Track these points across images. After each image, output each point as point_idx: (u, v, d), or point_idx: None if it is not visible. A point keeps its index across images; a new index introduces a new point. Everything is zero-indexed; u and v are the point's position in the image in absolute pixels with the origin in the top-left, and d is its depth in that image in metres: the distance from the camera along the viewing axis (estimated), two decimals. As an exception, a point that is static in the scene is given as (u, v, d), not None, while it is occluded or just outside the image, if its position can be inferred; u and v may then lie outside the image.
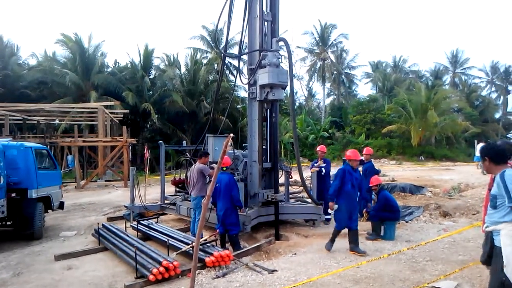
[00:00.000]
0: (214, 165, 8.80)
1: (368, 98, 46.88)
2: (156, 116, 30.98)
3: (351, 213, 7.23)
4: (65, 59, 32.73)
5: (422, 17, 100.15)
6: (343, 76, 53.04)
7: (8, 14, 72.28)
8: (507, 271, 3.48)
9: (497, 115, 55.61)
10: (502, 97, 59.13)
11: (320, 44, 50.00)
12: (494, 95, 59.12)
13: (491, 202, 3.74)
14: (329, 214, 9.92)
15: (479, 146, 21.04)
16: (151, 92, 32.83)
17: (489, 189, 4.08)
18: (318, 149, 10.63)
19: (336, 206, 7.24)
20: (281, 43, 9.11)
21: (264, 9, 9.20)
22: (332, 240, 7.29)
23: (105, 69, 33.78)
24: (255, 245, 7.62)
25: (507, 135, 54.63)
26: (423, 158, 35.15)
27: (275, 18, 9.26)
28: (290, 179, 10.26)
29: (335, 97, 56.32)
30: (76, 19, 71.18)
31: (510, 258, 3.47)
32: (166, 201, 10.92)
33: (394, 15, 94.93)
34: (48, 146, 16.77)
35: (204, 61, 37.72)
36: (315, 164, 10.17)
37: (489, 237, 3.79)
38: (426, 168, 26.56)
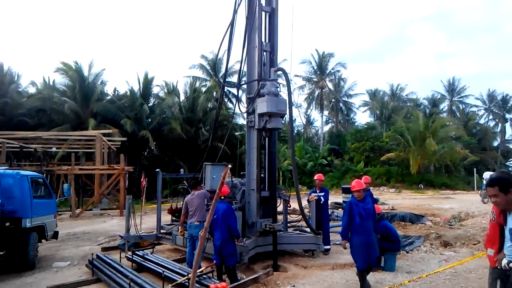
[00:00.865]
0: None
1: (366, 126, 47.17)
2: (154, 143, 31.00)
3: (369, 248, 6.54)
4: (64, 87, 33.01)
5: (418, 46, 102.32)
6: (341, 104, 53.53)
7: (10, 42, 73.56)
8: None
9: (496, 143, 55.86)
10: (500, 125, 59.56)
11: (318, 72, 50.72)
12: (491, 123, 59.62)
13: (509, 235, 3.54)
14: (329, 244, 9.75)
15: (486, 174, 20.95)
16: (149, 120, 32.99)
17: (498, 223, 3.87)
18: (315, 177, 10.53)
19: (348, 244, 6.65)
20: (280, 72, 9.22)
21: (263, 39, 9.34)
22: (362, 286, 6.53)
23: (104, 97, 34.04)
24: (252, 277, 7.40)
25: (506, 163, 54.70)
26: (422, 186, 34.99)
27: (273, 49, 9.39)
28: (288, 208, 10.11)
29: (334, 124, 56.67)
30: (77, 47, 72.46)
31: None
32: (162, 231, 10.71)
33: (390, 44, 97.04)
34: (45, 174, 16.64)
35: (203, 89, 38.11)
36: (313, 194, 10.04)
37: (500, 274, 3.62)
38: (426, 197, 26.37)
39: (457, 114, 56.08)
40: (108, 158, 25.83)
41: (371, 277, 7.36)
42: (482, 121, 57.80)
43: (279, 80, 9.39)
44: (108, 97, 34.61)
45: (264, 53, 9.31)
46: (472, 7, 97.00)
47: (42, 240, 9.93)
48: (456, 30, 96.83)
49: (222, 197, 7.53)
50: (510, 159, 57.28)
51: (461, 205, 18.98)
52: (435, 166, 39.60)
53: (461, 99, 57.99)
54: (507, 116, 59.44)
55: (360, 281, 6.52)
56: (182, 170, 21.41)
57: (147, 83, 34.49)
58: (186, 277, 6.54)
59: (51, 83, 35.86)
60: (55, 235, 10.36)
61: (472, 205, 18.39)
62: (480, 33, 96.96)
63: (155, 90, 36.59)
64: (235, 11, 9.52)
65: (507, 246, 3.60)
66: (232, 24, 9.59)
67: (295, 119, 53.59)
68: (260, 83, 8.94)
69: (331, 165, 41.66)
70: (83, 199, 23.74)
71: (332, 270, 8.04)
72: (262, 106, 8.65)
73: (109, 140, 25.68)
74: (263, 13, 9.40)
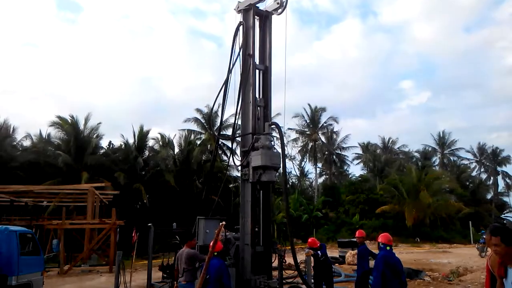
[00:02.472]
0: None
1: (360, 178, 47.28)
2: (147, 196, 30.68)
3: None
4: (59, 140, 33.12)
5: (406, 100, 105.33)
6: (334, 157, 53.96)
7: (7, 94, 74.68)
8: None
9: (489, 196, 55.93)
10: (492, 178, 60.00)
11: (311, 126, 51.59)
12: (484, 176, 60.08)
13: None
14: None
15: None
16: (143, 172, 32.87)
17: (499, 276, 3.80)
18: (309, 240, 10.36)
19: None
20: (273, 126, 9.40)
21: (257, 95, 9.62)
22: None
23: (99, 151, 34.11)
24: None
25: (501, 216, 54.47)
26: (419, 240, 34.50)
27: (267, 104, 9.66)
28: (283, 263, 9.86)
29: (327, 176, 56.75)
30: (74, 100, 73.56)
31: None
32: (153, 288, 10.33)
33: (380, 99, 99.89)
34: (34, 229, 16.25)
35: (198, 142, 38.43)
36: (306, 250, 9.84)
37: None
38: (423, 251, 25.91)
39: (449, 167, 56.60)
40: (99, 212, 25.37)
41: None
42: (474, 174, 58.31)
43: (273, 133, 9.56)
44: (103, 150, 34.69)
45: (258, 108, 9.55)
46: (455, 63, 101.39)
47: (27, 299, 9.49)
48: (441, 86, 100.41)
49: (215, 253, 7.35)
50: (505, 212, 57.11)
51: (459, 259, 18.64)
52: (430, 219, 39.30)
53: (452, 152, 58.86)
54: (499, 168, 60.10)
55: None
56: (174, 224, 21.02)
57: (143, 136, 34.78)
58: None
59: (46, 136, 36.03)
60: (41, 293, 9.93)
61: (470, 259, 18.08)
62: (464, 88, 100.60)
63: (150, 143, 36.89)
64: (230, 69, 9.88)
65: None
66: (227, 81, 9.91)
67: (290, 171, 53.79)
68: (254, 137, 9.08)
69: (326, 217, 41.21)
70: (72, 255, 22.97)
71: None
72: (256, 159, 8.73)
73: (101, 194, 25.36)
74: (257, 70, 9.76)
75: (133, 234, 11.98)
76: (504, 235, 3.49)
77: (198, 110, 40.81)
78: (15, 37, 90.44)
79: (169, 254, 11.50)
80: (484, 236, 24.65)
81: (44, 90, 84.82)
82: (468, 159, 60.40)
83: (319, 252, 9.72)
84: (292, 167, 54.89)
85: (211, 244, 5.98)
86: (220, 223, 3.63)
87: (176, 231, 12.56)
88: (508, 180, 60.44)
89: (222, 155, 38.03)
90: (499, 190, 59.44)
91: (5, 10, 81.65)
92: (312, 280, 9.96)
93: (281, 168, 9.04)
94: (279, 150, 9.11)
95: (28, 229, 10.89)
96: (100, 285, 14.63)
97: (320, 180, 56.53)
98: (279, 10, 9.70)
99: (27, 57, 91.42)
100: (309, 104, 51.63)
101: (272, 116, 9.92)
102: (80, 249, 23.64)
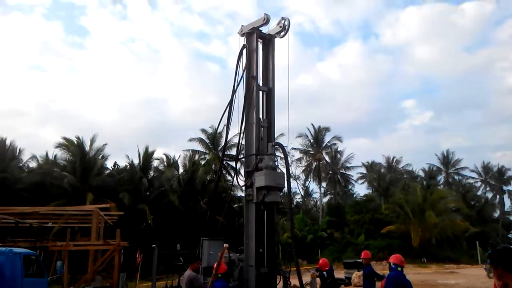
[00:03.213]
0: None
1: (365, 198, 47.00)
2: (152, 216, 30.60)
3: None
4: (65, 161, 33.31)
5: (409, 120, 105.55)
6: (338, 176, 53.79)
7: (14, 116, 75.56)
8: None
9: (495, 215, 55.28)
10: (498, 197, 59.42)
11: (315, 145, 51.63)
12: (489, 195, 59.51)
13: None
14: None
15: None
16: (148, 193, 32.88)
17: None
18: (320, 262, 10.31)
19: None
20: (277, 146, 9.49)
21: (261, 116, 9.74)
22: None
23: (104, 171, 34.25)
24: None
25: (509, 235, 53.70)
26: (425, 260, 33.98)
27: (271, 124, 9.77)
28: (288, 285, 9.78)
29: (332, 196, 56.44)
30: (80, 121, 74.29)
31: None
32: (157, 311, 10.25)
33: (383, 118, 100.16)
34: (38, 251, 16.22)
35: (202, 162, 38.51)
36: (312, 272, 9.79)
37: None
38: (430, 271, 25.53)
39: (454, 186, 56.20)
40: (104, 233, 25.31)
41: None
42: (479, 193, 57.79)
43: (277, 153, 9.64)
44: (108, 171, 34.83)
45: (262, 128, 9.66)
46: (457, 84, 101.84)
47: (30, 322, 9.44)
48: (443, 106, 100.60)
49: (219, 275, 7.32)
50: (512, 231, 56.34)
51: (466, 280, 18.36)
52: (437, 238, 38.79)
53: (456, 171, 58.51)
54: (504, 187, 59.58)
55: None
56: (178, 245, 20.92)
57: (147, 156, 34.96)
58: None
59: (52, 157, 36.27)
60: (45, 316, 9.87)
61: (478, 280, 17.80)
62: (466, 108, 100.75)
63: (155, 163, 37.03)
64: (234, 91, 10.04)
65: None
66: (231, 102, 10.06)
67: (294, 192, 53.55)
68: (258, 157, 9.15)
69: (331, 238, 40.82)
70: (76, 277, 22.82)
71: None
72: (260, 180, 8.78)
73: (106, 215, 25.36)
74: (261, 92, 9.92)
75: (137, 256, 11.95)
76: (505, 262, 3.52)
77: (203, 131, 41.04)
78: (23, 59, 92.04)
79: (173, 276, 11.46)
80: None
81: (51, 112, 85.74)
82: (473, 178, 60.01)
83: (324, 273, 9.64)
84: (296, 187, 54.75)
85: (214, 266, 5.99)
86: (224, 245, 3.66)
87: (180, 253, 12.54)
88: (514, 199, 59.85)
89: (227, 175, 38.03)
90: (505, 209, 58.80)
91: (14, 33, 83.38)
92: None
93: (285, 188, 9.08)
94: (283, 170, 9.16)
95: (32, 251, 10.92)
96: (104, 307, 14.48)
97: (325, 199, 56.29)
98: (282, 33, 9.92)
99: (34, 80, 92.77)
100: (312, 124, 51.86)
101: (275, 136, 10.03)
102: (84, 271, 23.48)
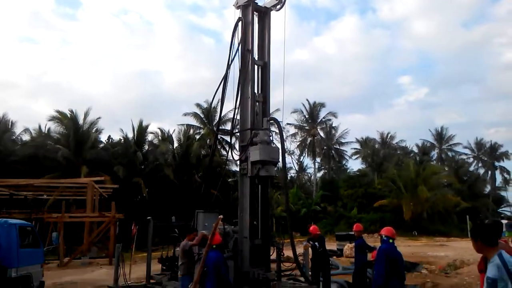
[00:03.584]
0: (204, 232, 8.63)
1: (358, 173, 47.45)
2: (146, 190, 30.77)
3: None
4: (58, 135, 33.12)
5: (404, 95, 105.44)
6: (333, 152, 54.08)
7: (6, 88, 74.46)
8: None
9: (486, 190, 56.20)
10: (489, 173, 60.24)
11: (310, 121, 51.62)
12: (481, 171, 60.31)
13: (489, 285, 3.52)
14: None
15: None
16: (142, 167, 32.94)
17: (479, 270, 3.97)
18: (311, 228, 10.48)
19: None
20: (272, 121, 9.47)
21: (256, 91, 9.66)
22: None
23: (98, 145, 34.14)
24: (245, 330, 7.18)
25: (498, 210, 54.81)
26: (416, 233, 34.73)
27: (266, 99, 9.69)
28: (282, 256, 9.97)
29: (326, 171, 56.92)
30: (73, 94, 73.48)
31: None
32: (151, 281, 10.44)
33: (378, 94, 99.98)
34: (33, 222, 16.34)
35: (197, 137, 38.49)
36: (310, 242, 9.97)
37: None
38: (420, 244, 26.12)
39: (447, 161, 56.83)
40: (99, 206, 25.49)
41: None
42: (471, 169, 58.54)
43: (272, 128, 9.63)
44: (102, 145, 34.73)
45: (257, 103, 9.59)
46: (454, 59, 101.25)
47: (28, 291, 9.60)
48: (439, 81, 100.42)
49: (214, 246, 7.44)
50: (502, 206, 57.45)
51: (456, 252, 18.82)
52: (428, 213, 39.53)
53: (450, 147, 59.02)
54: (496, 163, 60.33)
55: None
56: (173, 217, 21.13)
57: (142, 130, 34.84)
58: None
59: (45, 130, 36.04)
60: (41, 285, 10.04)
61: (466, 252, 18.23)
62: (462, 84, 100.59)
63: (150, 137, 36.95)
64: (229, 65, 9.91)
65: None
66: (226, 76, 9.95)
67: (289, 167, 53.91)
68: (253, 132, 9.13)
69: (325, 211, 41.44)
70: (72, 248, 23.13)
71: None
72: (255, 154, 8.79)
73: (100, 187, 25.47)
74: (256, 66, 9.79)
75: (132, 228, 12.08)
76: (483, 235, 3.63)
77: (198, 105, 40.84)
78: (14, 32, 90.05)
79: (168, 247, 11.62)
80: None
81: (43, 84, 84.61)
82: (466, 154, 60.64)
83: (317, 243, 9.84)
84: (291, 162, 55.09)
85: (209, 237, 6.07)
86: (218, 216, 3.70)
87: (175, 225, 12.68)
88: (505, 175, 60.78)
89: (221, 150, 38.11)
90: (496, 185, 59.74)
91: (4, 5, 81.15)
92: (310, 272, 10.08)
93: (280, 163, 9.12)
94: (278, 145, 9.18)
95: (28, 222, 10.97)
96: (100, 277, 14.75)
97: (319, 174, 56.76)
98: (278, 6, 9.71)
99: (26, 52, 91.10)
100: (307, 100, 51.70)
101: (271, 111, 9.97)
102: (79, 242, 23.82)
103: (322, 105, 51.66)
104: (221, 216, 3.68)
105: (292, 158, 55.90)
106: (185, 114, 41.03)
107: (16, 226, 9.31)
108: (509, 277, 3.35)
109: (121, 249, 10.30)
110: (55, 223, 24.20)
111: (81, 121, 32.30)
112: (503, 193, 59.99)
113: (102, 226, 20.89)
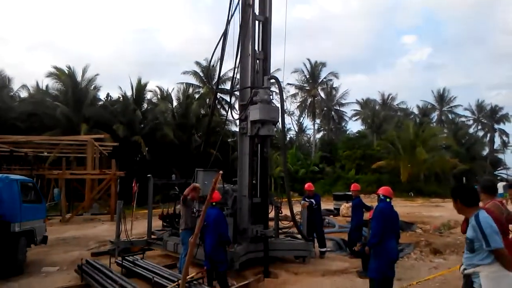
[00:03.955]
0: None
1: (357, 134, 47.52)
2: (146, 149, 30.89)
3: None
4: (56, 91, 32.81)
5: (407, 56, 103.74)
6: (333, 113, 53.90)
7: (1, 42, 73.07)
8: None
9: (484, 153, 56.57)
10: (488, 135, 60.39)
11: (310, 81, 51.04)
12: (480, 133, 60.44)
13: (467, 245, 3.70)
14: (325, 247, 9.87)
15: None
16: (142, 125, 32.89)
17: (462, 231, 4.09)
18: (306, 187, 10.62)
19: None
20: (273, 80, 9.33)
21: (257, 48, 9.44)
22: None
23: (97, 102, 33.88)
24: (243, 283, 7.41)
25: (495, 172, 55.41)
26: (412, 194, 35.26)
27: (267, 57, 9.50)
28: (280, 214, 10.16)
29: (325, 132, 56.99)
30: (71, 51, 72.26)
31: None
32: (153, 236, 10.69)
33: (381, 54, 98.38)
34: (35, 179, 16.48)
35: (196, 96, 38.17)
36: (305, 200, 10.13)
37: (469, 280, 3.75)
38: (416, 205, 26.58)
39: (446, 124, 56.80)
40: (99, 163, 25.68)
41: (362, 283, 7.43)
42: (471, 131, 58.64)
43: (272, 88, 9.50)
44: (101, 102, 34.46)
45: (257, 61, 9.41)
46: (459, 19, 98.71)
47: (31, 245, 9.84)
48: (443, 42, 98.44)
49: (214, 203, 7.54)
50: (499, 169, 58.04)
51: (450, 213, 19.05)
52: (425, 174, 39.96)
53: (450, 109, 58.79)
54: (496, 126, 60.35)
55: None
56: (174, 175, 21.33)
57: (140, 88, 34.47)
58: (176, 283, 6.54)
59: (43, 87, 35.66)
60: (44, 239, 10.26)
61: (461, 213, 18.57)
62: (467, 45, 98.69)
63: (148, 95, 36.63)
64: (228, 20, 9.63)
65: (464, 254, 3.78)
66: (225, 33, 9.69)
67: (289, 128, 53.92)
68: (253, 90, 9.02)
69: (323, 172, 41.86)
70: (73, 204, 23.52)
71: (322, 277, 8.09)
72: (254, 113, 8.73)
73: (100, 145, 25.54)
74: (257, 22, 9.52)
75: (133, 185, 12.20)
76: (462, 196, 3.79)
77: (197, 63, 40.19)
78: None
79: (169, 204, 11.81)
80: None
81: (40, 40, 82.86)
82: (466, 116, 60.54)
83: (313, 201, 10.01)
84: (290, 123, 55.02)
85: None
86: (219, 172, 3.70)
87: (176, 183, 12.81)
88: (504, 138, 61.01)
89: (221, 110, 37.92)
90: (494, 148, 60.07)
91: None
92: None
93: (279, 123, 9.09)
94: (278, 105, 9.09)
95: (29, 178, 11.05)
96: (102, 232, 15.09)
97: (318, 135, 56.88)
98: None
99: (22, 6, 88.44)
100: (308, 59, 50.79)
101: (271, 71, 9.80)
102: (81, 199, 24.20)
103: (323, 64, 50.93)
104: (221, 172, 3.67)
105: (291, 119, 55.82)
106: (184, 73, 40.53)
107: (18, 182, 9.39)
108: (483, 237, 3.46)
109: (122, 206, 10.45)
110: (56, 180, 24.48)
111: (79, 78, 31.90)
112: (501, 156, 60.53)
113: (103, 183, 21.13)
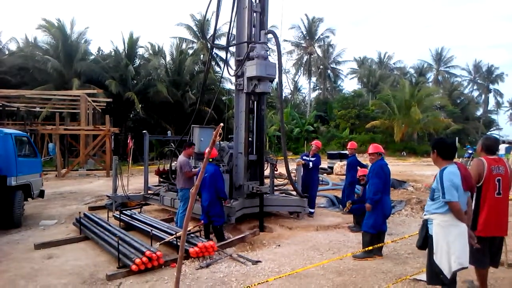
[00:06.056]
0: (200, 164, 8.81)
1: (353, 94, 47.29)
2: (140, 105, 30.59)
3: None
4: (47, 45, 31.87)
5: (408, 13, 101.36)
6: (329, 71, 53.31)
7: (-12, -3, 69.93)
8: (436, 258, 3.84)
9: (478, 113, 56.87)
10: (483, 96, 60.45)
11: (307, 38, 50.05)
12: (475, 94, 60.45)
13: (430, 194, 4.05)
14: (314, 208, 10.00)
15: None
16: (135, 82, 32.37)
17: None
18: (313, 143, 10.52)
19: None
20: (270, 35, 9.09)
21: (253, 0, 9.12)
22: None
23: (88, 57, 33.07)
24: (239, 236, 7.61)
25: (487, 133, 55.98)
26: (405, 154, 35.73)
27: (264, 10, 9.19)
28: (275, 172, 10.26)
29: (321, 91, 56.63)
30: (59, 3, 69.44)
31: (438, 246, 3.83)
32: (149, 192, 10.81)
33: (381, 10, 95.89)
34: (28, 134, 16.37)
35: (190, 52, 37.34)
36: (303, 158, 10.15)
37: (425, 225, 4.10)
38: (408, 164, 26.99)
39: (443, 83, 56.58)
40: (93, 119, 25.48)
41: (354, 238, 7.64)
42: (466, 91, 58.58)
43: (269, 44, 9.28)
44: (92, 57, 33.62)
45: (254, 14, 9.11)
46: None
47: (28, 199, 9.92)
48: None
49: (210, 160, 7.57)
50: (492, 129, 58.60)
51: (441, 172, 19.51)
52: (419, 134, 40.28)
53: (447, 69, 58.35)
54: (491, 86, 60.29)
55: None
56: (169, 132, 21.33)
57: (132, 43, 33.56)
58: (174, 236, 6.68)
59: (33, 40, 34.61)
60: (41, 194, 10.32)
61: (452, 172, 18.91)
62: (467, 4, 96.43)
63: (140, 51, 35.75)
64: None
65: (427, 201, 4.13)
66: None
67: (284, 86, 53.46)
68: (249, 45, 8.80)
69: (317, 131, 42.01)
70: (68, 160, 23.55)
71: (316, 231, 8.30)
72: (251, 69, 8.57)
73: (94, 101, 25.22)
74: (254, -28, 9.12)
75: (128, 141, 12.17)
76: (439, 148, 4.11)
77: (191, 16, 39.01)
78: None
79: (165, 161, 11.87)
80: (469, 151, 25.58)
81: (26, -10, 79.37)
82: (462, 77, 60.24)
83: (310, 162, 10.00)
84: (286, 81, 54.48)
85: (206, 151, 6.14)
86: (220, 124, 3.65)
87: (171, 139, 12.82)
88: (498, 98, 61.15)
89: (216, 67, 37.26)
90: (488, 108, 60.33)
91: None
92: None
93: (276, 79, 8.95)
94: (275, 61, 8.91)
95: (23, 133, 10.93)
96: (99, 187, 15.23)
97: (313, 94, 56.51)
98: None
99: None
100: (306, 15, 49.56)
101: (268, 27, 9.51)
102: (76, 155, 24.23)
103: (320, 20, 49.82)
104: (221, 124, 3.63)
105: (287, 77, 55.22)
106: (178, 24, 39.48)
107: (12, 136, 9.30)
108: (441, 188, 3.79)
109: (117, 161, 10.48)
110: (50, 136, 24.35)
111: (69, 31, 30.90)
112: (494, 117, 60.94)
113: (97, 139, 21.06)
